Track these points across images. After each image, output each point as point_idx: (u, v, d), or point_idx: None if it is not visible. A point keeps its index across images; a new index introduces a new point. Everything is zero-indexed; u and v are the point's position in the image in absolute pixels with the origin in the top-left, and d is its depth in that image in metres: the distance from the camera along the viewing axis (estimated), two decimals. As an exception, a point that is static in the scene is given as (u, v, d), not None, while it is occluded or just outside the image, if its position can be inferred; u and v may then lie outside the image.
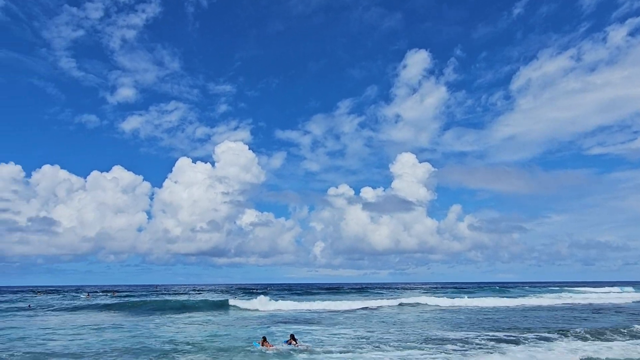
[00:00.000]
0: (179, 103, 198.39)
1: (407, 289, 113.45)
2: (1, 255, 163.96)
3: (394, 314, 41.54)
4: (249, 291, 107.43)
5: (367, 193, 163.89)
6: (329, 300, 62.46)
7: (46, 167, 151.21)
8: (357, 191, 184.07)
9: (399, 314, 41.03)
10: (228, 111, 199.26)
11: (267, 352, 20.31)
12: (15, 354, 19.80)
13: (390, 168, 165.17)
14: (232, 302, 49.12)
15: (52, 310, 46.68)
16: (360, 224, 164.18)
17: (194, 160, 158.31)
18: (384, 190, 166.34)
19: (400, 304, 51.66)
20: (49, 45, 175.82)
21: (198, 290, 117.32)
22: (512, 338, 23.83)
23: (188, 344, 22.61)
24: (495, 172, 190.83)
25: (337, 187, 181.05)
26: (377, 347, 21.21)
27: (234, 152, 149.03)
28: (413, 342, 22.84)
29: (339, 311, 43.51)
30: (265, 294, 67.56)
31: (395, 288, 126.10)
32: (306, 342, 22.86)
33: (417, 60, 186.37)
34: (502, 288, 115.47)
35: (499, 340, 23.04)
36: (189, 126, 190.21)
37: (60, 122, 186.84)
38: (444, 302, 54.06)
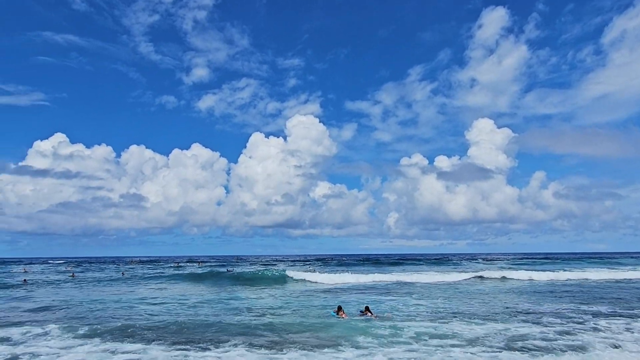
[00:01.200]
0: (249, 80, 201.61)
1: (487, 260, 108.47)
2: (100, 229, 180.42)
3: (475, 286, 39.11)
4: (325, 261, 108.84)
5: (442, 162, 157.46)
6: (404, 271, 61.01)
7: (133, 147, 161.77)
8: (431, 160, 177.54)
9: (481, 286, 38.54)
10: (297, 85, 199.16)
11: (342, 319, 19.91)
12: (114, 317, 20.66)
13: (466, 135, 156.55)
14: (304, 275, 49.12)
15: (143, 279, 49.68)
16: (435, 193, 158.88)
17: (267, 135, 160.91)
18: (460, 159, 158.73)
19: (480, 277, 47.97)
20: (128, 31, 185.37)
21: (274, 261, 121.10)
22: (618, 313, 20.94)
23: (266, 311, 22.52)
24: (584, 135, 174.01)
25: (409, 157, 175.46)
26: (461, 319, 19.47)
27: (304, 125, 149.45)
28: (502, 314, 20.81)
29: (415, 283, 41.62)
30: (341, 264, 67.62)
31: (475, 259, 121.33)
32: (382, 312, 21.98)
33: (494, 19, 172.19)
34: (595, 259, 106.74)
35: (605, 316, 20.29)
36: (260, 102, 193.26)
37: (143, 104, 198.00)
38: (531, 274, 48.13)
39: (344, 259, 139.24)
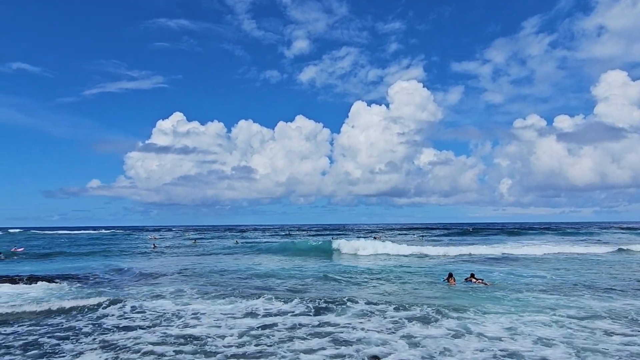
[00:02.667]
0: (349, 48, 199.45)
1: (620, 230, 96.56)
2: (216, 200, 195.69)
3: (608, 258, 34.73)
4: (430, 230, 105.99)
5: (563, 122, 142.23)
6: (517, 241, 56.69)
7: (242, 122, 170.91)
8: (550, 121, 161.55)
9: (615, 259, 34.12)
10: (399, 50, 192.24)
11: (451, 286, 19.82)
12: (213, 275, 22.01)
13: (592, 91, 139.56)
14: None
15: (254, 247, 52.68)
16: (555, 157, 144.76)
17: (369, 104, 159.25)
18: (585, 118, 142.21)
19: (622, 249, 40.13)
20: (232, 11, 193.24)
21: (377, 229, 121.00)
22: None
23: (382, 276, 22.30)
24: None
25: (524, 119, 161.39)
26: (585, 293, 17.17)
27: (407, 91, 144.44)
28: None
29: (528, 254, 37.92)
30: (448, 234, 64.94)
31: (603, 228, 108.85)
32: (494, 281, 20.95)
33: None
34: None
35: None
36: (361, 70, 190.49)
37: (249, 80, 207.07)
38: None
39: (450, 227, 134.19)
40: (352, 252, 39.41)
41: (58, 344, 10.63)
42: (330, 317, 13.30)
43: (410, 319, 12.73)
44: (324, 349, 10.20)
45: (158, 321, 12.83)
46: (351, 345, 10.42)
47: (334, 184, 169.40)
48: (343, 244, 41.96)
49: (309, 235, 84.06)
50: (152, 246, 53.17)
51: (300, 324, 12.48)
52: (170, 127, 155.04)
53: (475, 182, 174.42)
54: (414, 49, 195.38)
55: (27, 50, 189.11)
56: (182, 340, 10.77)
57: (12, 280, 21.59)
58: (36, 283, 20.81)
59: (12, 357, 9.73)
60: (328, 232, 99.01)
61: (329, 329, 11.96)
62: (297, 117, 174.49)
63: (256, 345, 10.43)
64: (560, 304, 15.20)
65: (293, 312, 13.91)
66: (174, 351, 9.95)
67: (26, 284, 20.79)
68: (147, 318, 13.27)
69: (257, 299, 16.12)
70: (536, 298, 16.35)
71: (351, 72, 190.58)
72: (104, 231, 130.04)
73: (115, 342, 10.76)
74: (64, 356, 9.80)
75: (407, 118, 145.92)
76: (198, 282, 21.14)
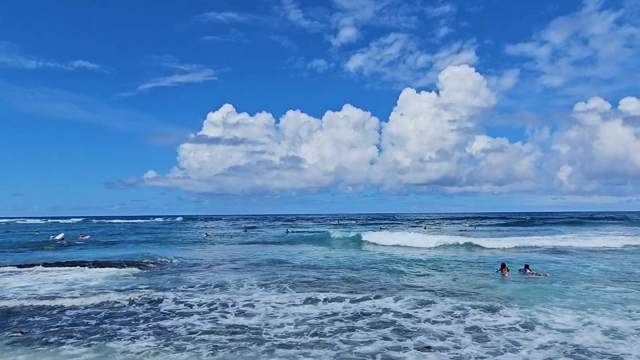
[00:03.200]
0: (397, 34, 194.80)
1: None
2: (265, 189, 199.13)
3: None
4: (483, 219, 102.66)
5: (629, 104, 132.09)
6: (577, 231, 53.75)
7: (289, 112, 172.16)
8: (615, 104, 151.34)
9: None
10: (449, 34, 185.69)
11: (505, 277, 19.11)
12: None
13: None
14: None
15: (303, 238, 53.16)
16: (620, 142, 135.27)
17: (418, 91, 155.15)
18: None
19: None
20: (279, 1, 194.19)
21: (427, 219, 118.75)
22: None
23: (434, 267, 21.77)
24: None
25: (586, 102, 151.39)
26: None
27: (458, 77, 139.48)
28: None
29: (590, 246, 34.99)
30: (504, 224, 62.45)
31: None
32: (547, 272, 20.15)
33: None
34: None
35: None
36: (410, 56, 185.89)
37: (296, 70, 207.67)
38: None
39: (506, 217, 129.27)
40: (396, 243, 38.77)
41: (119, 328, 11.08)
42: (390, 305, 13.11)
43: (471, 310, 12.23)
44: (385, 339, 10.00)
45: (213, 308, 13.09)
46: (413, 336, 10.15)
47: (383, 173, 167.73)
48: (386, 236, 41.54)
49: (359, 225, 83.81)
50: (205, 235, 54.90)
51: (361, 313, 12.35)
52: (220, 118, 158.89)
53: (532, 169, 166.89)
54: (465, 32, 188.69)
55: (87, 49, 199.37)
56: (237, 329, 10.88)
57: (80, 264, 23.12)
58: (101, 268, 22.08)
59: (75, 340, 10.21)
60: (377, 222, 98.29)
61: (389, 317, 11.77)
62: (344, 106, 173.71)
63: (312, 335, 10.37)
64: (629, 297, 14.14)
65: (349, 300, 13.77)
66: (227, 339, 10.08)
67: (91, 268, 22.08)
68: (203, 304, 13.58)
69: (312, 288, 16.14)
70: (602, 291, 15.29)
71: (399, 58, 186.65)
72: (159, 220, 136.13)
73: (170, 328, 11.07)
74: (120, 339, 10.18)
75: (459, 104, 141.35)
76: (252, 271, 21.51)
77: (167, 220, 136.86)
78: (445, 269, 22.16)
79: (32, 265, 23.37)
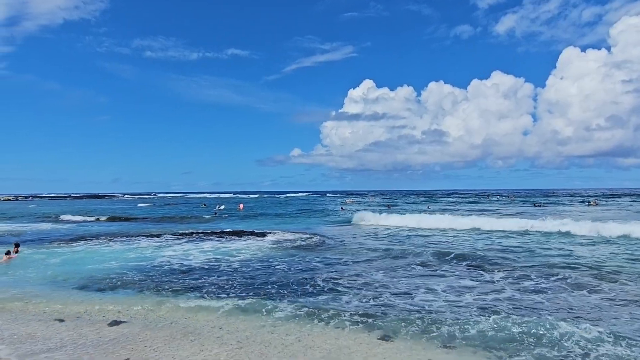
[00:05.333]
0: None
1: None
2: (407, 165, 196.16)
3: None
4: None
5: None
6: None
7: (432, 84, 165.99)
8: None
9: None
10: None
11: None
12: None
13: None
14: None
15: (451, 210, 50.33)
16: None
17: (583, 49, 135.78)
18: None
19: None
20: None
21: (600, 195, 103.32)
22: None
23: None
24: None
25: None
26: None
27: (637, 29, 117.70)
28: None
29: None
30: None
31: None
32: None
33: None
34: None
35: None
36: (573, 10, 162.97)
37: (438, 39, 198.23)
38: None
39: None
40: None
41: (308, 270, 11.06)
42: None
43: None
44: None
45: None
46: None
47: (538, 145, 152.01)
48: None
49: (512, 202, 76.28)
50: (340, 209, 56.88)
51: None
52: (361, 94, 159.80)
53: None
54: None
55: (238, 37, 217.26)
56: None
57: (241, 233, 26.38)
58: (272, 235, 24.74)
59: (284, 273, 10.38)
60: (531, 198, 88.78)
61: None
62: (493, 73, 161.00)
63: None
64: None
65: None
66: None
67: (259, 236, 24.83)
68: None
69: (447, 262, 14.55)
70: None
71: (560, 14, 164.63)
72: (303, 195, 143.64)
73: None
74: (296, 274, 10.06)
75: (636, 61, 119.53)
76: (393, 243, 20.61)
77: (311, 195, 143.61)
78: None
79: (204, 232, 26.10)
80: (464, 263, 15.63)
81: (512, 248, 19.51)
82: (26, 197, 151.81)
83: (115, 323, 8.77)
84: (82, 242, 23.16)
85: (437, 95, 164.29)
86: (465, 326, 8.18)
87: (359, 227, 32.17)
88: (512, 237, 23.74)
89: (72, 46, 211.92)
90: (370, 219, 34.71)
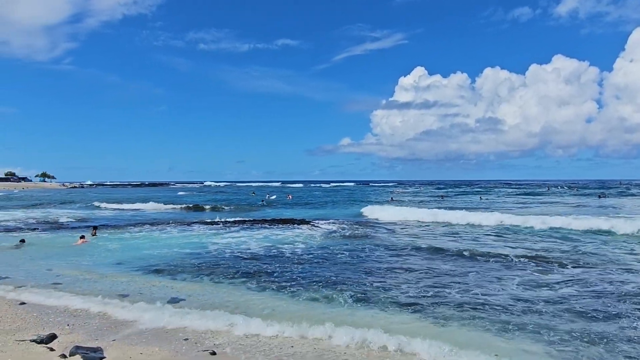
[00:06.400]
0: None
1: None
2: (460, 154, 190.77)
3: None
4: None
5: None
6: None
7: (487, 70, 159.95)
8: None
9: None
10: None
11: None
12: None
13: None
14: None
15: (505, 202, 48.60)
16: None
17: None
18: None
19: None
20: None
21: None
22: None
23: None
24: None
25: None
26: None
27: None
28: None
29: None
30: None
31: None
32: None
33: None
34: None
35: None
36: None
37: (494, 23, 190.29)
38: None
39: None
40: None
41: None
42: None
43: None
44: None
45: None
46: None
47: (604, 132, 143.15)
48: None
49: (576, 194, 70.26)
50: (390, 199, 56.17)
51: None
52: (412, 82, 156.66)
53: None
54: None
55: (288, 27, 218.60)
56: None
57: (291, 222, 26.69)
58: (322, 224, 25.23)
59: (341, 262, 10.59)
60: (592, 190, 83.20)
61: None
62: (554, 57, 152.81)
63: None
64: None
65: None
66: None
67: (309, 225, 25.08)
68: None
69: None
70: None
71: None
72: (352, 184, 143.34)
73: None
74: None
75: None
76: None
77: (360, 185, 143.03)
78: None
79: (254, 221, 26.82)
80: (532, 263, 14.25)
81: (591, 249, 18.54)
82: (90, 185, 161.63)
83: (174, 301, 9.24)
84: (141, 227, 24.41)
85: (493, 82, 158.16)
86: (536, 320, 7.93)
87: (406, 218, 31.65)
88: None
89: (130, 40, 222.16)
90: (414, 213, 31.32)
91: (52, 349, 6.40)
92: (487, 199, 58.07)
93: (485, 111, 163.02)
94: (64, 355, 6.09)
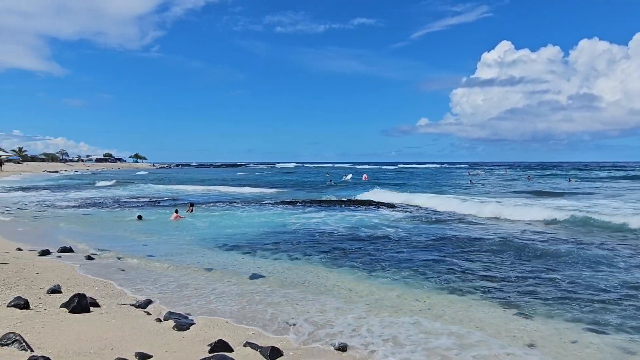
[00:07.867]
0: None
1: None
2: (549, 134, 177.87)
3: None
4: None
5: None
6: None
7: (583, 42, 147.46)
8: None
9: None
10: None
11: None
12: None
13: None
14: None
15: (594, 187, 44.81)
16: None
17: None
18: None
19: None
20: None
21: None
22: None
23: None
24: None
25: None
26: None
27: None
28: None
29: None
30: None
31: None
32: None
33: None
34: None
35: None
36: None
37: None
38: None
39: None
40: None
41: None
42: None
43: None
44: None
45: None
46: None
47: None
48: None
49: None
50: (469, 182, 53.88)
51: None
52: (496, 58, 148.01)
53: None
54: None
55: (364, 5, 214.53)
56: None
57: (379, 204, 26.91)
58: (401, 206, 24.64)
59: (421, 247, 10.59)
60: None
61: None
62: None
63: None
64: None
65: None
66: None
67: (387, 207, 25.15)
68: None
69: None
70: None
71: None
72: (430, 166, 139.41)
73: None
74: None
75: None
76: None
77: (439, 167, 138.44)
78: None
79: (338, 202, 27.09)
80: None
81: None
82: (177, 165, 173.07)
83: (255, 277, 9.62)
84: (224, 205, 25.81)
85: (589, 55, 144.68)
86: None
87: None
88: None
89: (212, 26, 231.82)
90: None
91: (148, 313, 6.96)
92: (579, 181, 53.14)
93: (580, 87, 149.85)
94: (158, 319, 6.59)
